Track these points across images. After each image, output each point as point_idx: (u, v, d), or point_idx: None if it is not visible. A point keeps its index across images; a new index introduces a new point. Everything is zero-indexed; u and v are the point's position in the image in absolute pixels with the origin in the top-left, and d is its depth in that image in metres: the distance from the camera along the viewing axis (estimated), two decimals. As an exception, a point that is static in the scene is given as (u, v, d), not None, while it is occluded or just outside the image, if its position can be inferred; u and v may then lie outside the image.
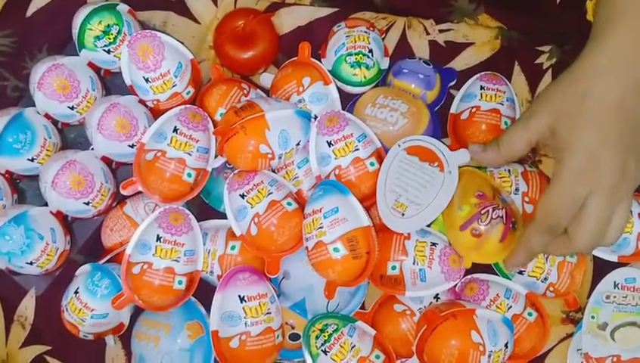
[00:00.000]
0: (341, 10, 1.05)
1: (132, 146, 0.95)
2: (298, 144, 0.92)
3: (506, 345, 0.85)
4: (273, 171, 0.96)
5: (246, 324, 0.86)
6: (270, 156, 0.90)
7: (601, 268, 0.93)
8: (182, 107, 0.95)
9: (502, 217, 0.86)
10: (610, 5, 0.76)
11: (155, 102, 0.98)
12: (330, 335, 0.86)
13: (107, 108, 0.93)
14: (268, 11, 1.05)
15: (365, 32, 0.98)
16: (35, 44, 1.05)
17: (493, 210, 0.86)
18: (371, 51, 0.98)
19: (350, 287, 0.91)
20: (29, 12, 1.07)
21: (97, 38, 0.98)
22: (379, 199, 0.89)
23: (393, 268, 0.89)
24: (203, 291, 0.92)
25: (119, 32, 0.98)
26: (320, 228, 0.86)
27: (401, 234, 0.89)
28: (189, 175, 0.91)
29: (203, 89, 1.00)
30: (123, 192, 0.92)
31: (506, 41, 1.03)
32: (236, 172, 0.94)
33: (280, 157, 0.91)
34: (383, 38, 1.02)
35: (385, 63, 1.00)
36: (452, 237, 0.89)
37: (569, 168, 0.74)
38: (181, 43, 0.99)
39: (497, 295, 0.89)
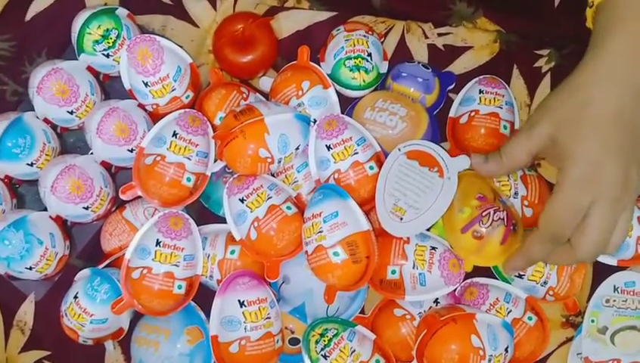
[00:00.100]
0: (340, 14, 1.05)
1: (132, 150, 0.95)
2: (297, 148, 0.92)
3: (506, 350, 0.85)
4: (272, 175, 0.96)
5: (245, 328, 0.86)
6: (269, 160, 0.90)
7: (601, 272, 0.93)
8: (181, 111, 0.95)
9: (503, 219, 0.86)
10: (610, 13, 0.76)
11: (154, 106, 0.98)
12: (330, 339, 0.86)
13: (106, 112, 0.93)
14: (267, 15, 1.05)
15: (364, 35, 0.98)
16: (35, 48, 1.05)
17: (494, 212, 0.86)
18: (370, 54, 0.98)
19: (350, 292, 0.91)
20: (28, 16, 1.07)
21: (97, 42, 0.98)
22: (378, 202, 0.89)
23: (393, 272, 0.89)
24: (203, 296, 0.92)
25: (118, 37, 0.98)
26: (320, 232, 0.86)
27: (400, 238, 0.89)
28: (188, 179, 0.91)
29: (203, 93, 1.00)
30: (122, 197, 0.92)
31: (505, 44, 1.03)
32: (235, 176, 0.94)
33: (279, 161, 0.91)
34: (382, 42, 1.02)
35: (384, 67, 1.00)
36: (452, 240, 0.89)
37: (571, 177, 0.74)
38: (181, 47, 0.99)
39: (497, 299, 0.89)
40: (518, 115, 0.97)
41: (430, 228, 0.90)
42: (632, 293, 0.91)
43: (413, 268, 0.88)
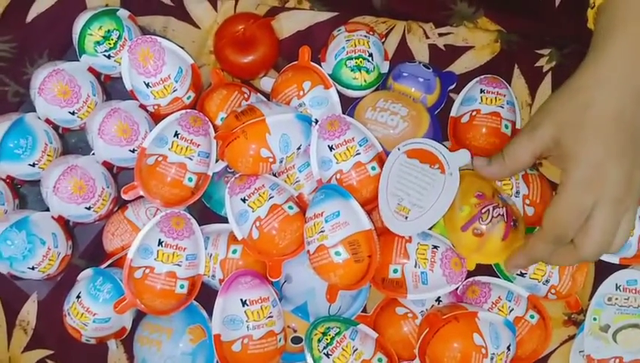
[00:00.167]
0: (341, 14, 1.05)
1: (133, 151, 0.95)
2: (299, 148, 0.92)
3: (508, 348, 0.85)
4: (274, 175, 0.96)
5: (248, 327, 0.87)
6: (271, 160, 0.90)
7: (603, 270, 0.93)
8: (183, 111, 0.95)
9: (503, 215, 0.86)
10: (610, 14, 0.76)
11: (156, 107, 0.98)
12: (332, 338, 0.86)
13: (107, 113, 0.94)
14: (268, 16, 1.05)
15: (365, 36, 0.99)
16: (36, 49, 1.05)
17: (494, 209, 0.86)
18: (371, 54, 0.98)
19: (352, 291, 0.91)
20: (30, 17, 1.07)
21: (98, 43, 0.98)
22: (381, 203, 0.89)
23: (395, 271, 0.89)
24: (205, 295, 0.92)
25: (119, 38, 0.98)
26: (321, 231, 0.86)
27: (402, 237, 0.89)
28: (190, 179, 0.91)
29: (204, 94, 1.00)
30: (124, 197, 0.92)
31: (506, 44, 1.03)
32: (237, 176, 0.94)
33: (281, 161, 0.91)
34: (383, 42, 1.03)
35: (385, 67, 1.00)
36: (454, 239, 0.89)
37: (574, 178, 0.74)
38: (182, 48, 0.99)
39: (499, 297, 0.89)
40: (519, 114, 0.97)
41: (432, 227, 0.90)
42: (634, 291, 0.91)
43: (415, 266, 0.88)
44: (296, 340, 0.92)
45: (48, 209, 0.95)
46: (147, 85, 0.95)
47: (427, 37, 1.04)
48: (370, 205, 0.92)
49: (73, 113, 0.97)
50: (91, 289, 0.90)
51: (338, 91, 0.98)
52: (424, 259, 0.88)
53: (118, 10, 1.00)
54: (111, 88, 1.04)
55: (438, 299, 0.91)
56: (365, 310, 0.95)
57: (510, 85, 0.99)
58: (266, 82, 1.01)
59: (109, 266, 0.95)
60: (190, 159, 0.91)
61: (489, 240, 0.86)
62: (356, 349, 0.86)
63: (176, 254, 0.88)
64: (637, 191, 0.75)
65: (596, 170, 0.74)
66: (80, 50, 0.99)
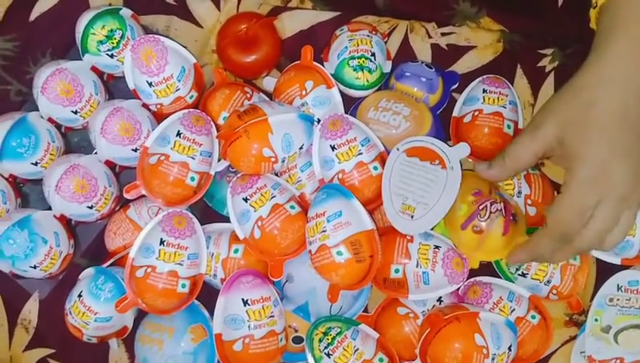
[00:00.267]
0: (343, 14, 1.05)
1: (136, 150, 0.95)
2: (301, 148, 0.92)
3: (509, 348, 0.85)
4: (276, 174, 0.96)
5: (249, 327, 0.87)
6: (273, 159, 0.90)
7: (604, 271, 0.93)
8: (185, 110, 0.95)
9: (501, 210, 0.86)
10: (613, 15, 0.76)
11: (158, 106, 0.98)
12: (333, 338, 0.86)
13: (110, 112, 0.94)
14: (271, 15, 1.05)
15: (368, 35, 0.99)
16: (39, 48, 1.06)
17: (491, 204, 0.86)
18: (373, 54, 0.98)
19: (353, 291, 0.91)
20: (33, 17, 1.07)
21: (101, 42, 0.98)
22: (386, 204, 0.89)
23: (396, 271, 0.89)
24: (207, 294, 0.92)
25: (122, 37, 0.98)
26: (323, 231, 0.86)
27: (404, 237, 0.89)
28: (192, 178, 0.91)
29: (206, 93, 1.00)
30: (127, 196, 0.92)
31: (508, 44, 1.03)
32: (239, 175, 0.94)
33: (283, 161, 0.91)
34: (385, 42, 1.03)
35: (387, 67, 1.00)
36: (455, 239, 0.89)
37: (579, 178, 0.74)
38: (184, 47, 0.99)
39: (500, 298, 0.89)
40: (522, 114, 0.97)
41: (434, 227, 0.90)
42: (635, 292, 0.91)
43: (416, 266, 0.88)
44: (298, 340, 0.92)
45: (50, 208, 0.95)
46: (150, 84, 0.96)
47: (430, 37, 1.04)
48: (372, 205, 0.92)
49: (75, 112, 0.97)
50: (93, 288, 0.90)
51: (340, 91, 0.98)
52: (426, 259, 0.88)
53: (121, 9, 1.00)
54: (114, 87, 1.04)
55: (439, 300, 0.91)
56: (366, 310, 0.95)
57: (512, 85, 0.99)
58: (269, 82, 1.01)
59: (111, 265, 0.95)
60: (192, 158, 0.91)
61: (489, 237, 0.86)
62: (357, 349, 0.86)
63: (178, 253, 0.88)
64: None
65: (601, 169, 0.74)
66: (83, 49, 0.99)
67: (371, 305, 0.95)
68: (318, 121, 0.94)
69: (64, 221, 0.95)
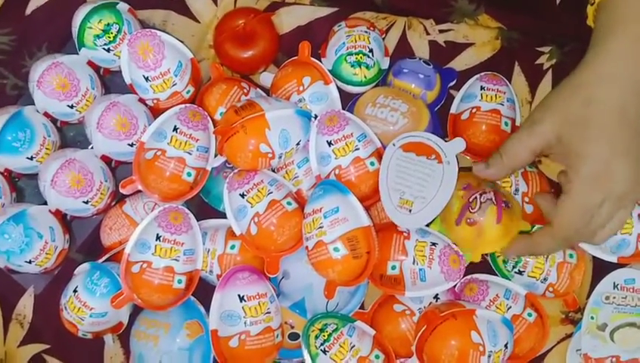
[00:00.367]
0: (341, 9, 1.05)
1: (132, 145, 0.95)
2: (298, 144, 0.92)
3: (506, 346, 0.85)
4: (273, 170, 0.96)
5: (245, 323, 0.86)
6: (270, 155, 0.90)
7: (601, 269, 0.93)
8: (182, 106, 0.95)
9: (491, 199, 0.86)
10: (611, 12, 0.76)
11: (155, 101, 0.98)
12: (329, 335, 0.86)
13: (106, 107, 0.93)
14: (268, 11, 1.05)
15: (366, 31, 0.98)
16: (35, 42, 1.05)
17: (481, 195, 0.86)
18: (371, 50, 0.98)
19: (350, 287, 0.91)
20: (29, 10, 1.06)
21: (97, 36, 0.98)
22: (384, 199, 0.89)
23: (393, 267, 0.89)
24: (203, 290, 0.92)
25: (119, 31, 0.98)
26: (320, 227, 0.86)
27: (401, 233, 0.89)
28: (189, 174, 0.91)
29: (203, 88, 1.00)
30: (123, 191, 0.92)
31: (506, 41, 1.03)
32: (236, 171, 0.94)
33: (280, 157, 0.91)
34: (383, 38, 1.02)
35: (385, 63, 1.00)
36: (453, 237, 0.89)
37: (582, 177, 0.75)
38: (181, 42, 0.99)
39: (497, 295, 0.89)
40: (519, 112, 0.97)
41: (431, 223, 0.90)
42: (631, 290, 0.91)
43: (413, 263, 0.88)
44: (294, 336, 0.92)
45: (45, 203, 0.95)
46: (147, 78, 0.95)
47: (428, 33, 1.04)
48: (369, 200, 0.92)
49: (71, 107, 0.97)
50: (88, 283, 0.90)
51: (338, 87, 0.98)
52: (423, 255, 0.88)
53: (118, 3, 1.00)
54: (110, 81, 1.04)
55: (436, 297, 0.91)
56: (362, 307, 0.94)
57: (510, 83, 0.99)
58: (266, 77, 1.01)
59: (106, 260, 0.95)
60: (189, 153, 0.91)
61: (484, 227, 0.85)
62: (353, 346, 0.86)
63: (174, 249, 0.88)
64: None
65: (603, 167, 0.74)
66: (79, 43, 0.99)
67: (368, 302, 0.95)
68: (315, 117, 0.94)
69: (60, 216, 0.95)
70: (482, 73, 0.99)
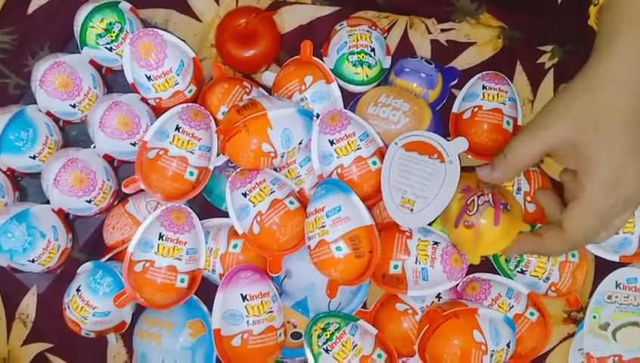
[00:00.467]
0: (343, 9, 1.05)
1: (134, 144, 0.95)
2: (300, 143, 0.92)
3: (508, 345, 0.85)
4: (275, 169, 0.96)
5: (248, 322, 0.86)
6: (272, 154, 0.90)
7: (603, 268, 0.93)
8: (184, 105, 0.95)
9: (489, 201, 0.85)
10: (615, 14, 0.75)
11: (157, 100, 0.98)
12: (332, 334, 0.86)
13: (108, 106, 0.93)
14: (270, 10, 1.05)
15: (367, 31, 0.98)
16: (37, 41, 1.05)
17: (478, 198, 0.86)
18: (373, 49, 0.98)
19: (352, 286, 0.91)
20: (31, 9, 1.06)
21: (99, 35, 0.98)
22: (385, 198, 0.89)
23: (395, 267, 0.89)
24: (205, 289, 0.92)
25: (121, 30, 0.98)
26: (322, 226, 0.86)
27: (403, 232, 0.89)
28: (191, 173, 0.91)
29: (205, 87, 1.00)
30: (125, 190, 0.92)
31: (508, 40, 1.03)
32: (238, 170, 0.94)
33: (282, 156, 0.91)
34: (385, 37, 1.02)
35: (387, 62, 1.00)
36: (453, 239, 0.89)
37: (597, 183, 0.74)
38: (183, 41, 0.99)
39: (499, 294, 0.89)
40: (521, 111, 0.97)
41: (433, 222, 0.90)
42: (634, 289, 0.91)
43: (415, 262, 0.88)
44: (296, 336, 0.92)
45: (48, 202, 0.95)
46: (149, 78, 0.95)
47: (430, 32, 1.04)
48: (371, 200, 0.92)
49: (74, 106, 0.97)
50: (91, 282, 0.90)
51: (340, 86, 0.98)
52: (425, 255, 0.88)
53: (120, 2, 1.00)
54: (112, 80, 1.04)
55: (438, 296, 0.91)
56: (364, 306, 0.95)
57: (512, 82, 0.99)
58: (268, 77, 1.01)
59: (109, 260, 0.95)
60: (191, 153, 0.91)
61: (482, 230, 0.85)
62: (356, 345, 0.86)
63: (177, 248, 0.88)
64: None
65: (616, 173, 0.73)
66: (82, 42, 0.99)
67: (370, 301, 0.95)
68: (317, 116, 0.94)
69: (62, 215, 0.95)
70: (484, 72, 0.99)
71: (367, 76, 0.97)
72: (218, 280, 0.92)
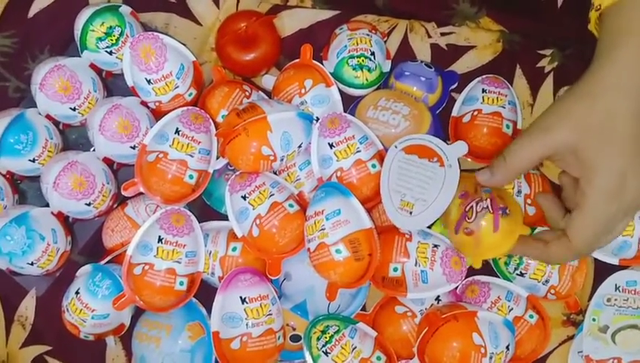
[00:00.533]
0: (343, 12, 1.05)
1: (134, 147, 0.95)
2: (300, 146, 0.92)
3: (507, 348, 0.85)
4: (275, 173, 0.96)
5: (247, 325, 0.86)
6: (272, 157, 0.90)
7: (602, 271, 0.93)
8: (184, 108, 0.95)
9: (488, 207, 0.85)
10: (616, 23, 0.74)
11: (157, 104, 0.98)
12: (331, 336, 0.86)
13: (108, 109, 0.93)
14: (270, 13, 1.05)
15: (367, 34, 0.99)
16: (37, 45, 1.05)
17: (477, 204, 0.85)
18: (373, 53, 0.98)
19: (352, 289, 0.91)
20: (31, 13, 1.07)
21: (100, 39, 0.98)
22: (385, 201, 0.89)
23: (395, 269, 0.89)
24: (204, 292, 0.92)
25: (121, 34, 0.98)
26: (322, 229, 0.86)
27: (403, 235, 0.89)
28: (191, 176, 0.91)
29: (205, 91, 1.00)
30: (124, 193, 0.92)
31: (508, 44, 1.03)
32: (238, 173, 0.94)
33: (282, 159, 0.91)
34: (385, 41, 1.03)
35: (387, 66, 1.00)
36: (454, 243, 0.89)
37: (597, 190, 0.73)
38: (183, 45, 0.99)
39: (498, 297, 0.89)
40: (521, 114, 0.97)
41: (433, 225, 0.89)
42: (633, 292, 0.91)
43: (415, 265, 0.88)
44: (295, 338, 0.92)
45: (47, 205, 0.95)
46: (149, 81, 0.95)
47: (429, 36, 1.04)
48: (370, 203, 0.92)
49: (73, 109, 0.97)
50: (90, 285, 0.90)
51: (340, 90, 0.98)
52: (425, 257, 0.88)
53: (120, 6, 1.00)
54: (112, 84, 1.04)
55: (437, 298, 0.91)
56: (364, 308, 0.95)
57: (511, 85, 0.99)
58: (268, 80, 1.01)
59: (108, 262, 0.95)
60: (191, 156, 0.91)
61: (482, 236, 0.84)
62: (355, 348, 0.86)
63: (176, 251, 0.88)
64: None
65: (619, 181, 0.73)
66: (82, 46, 0.99)
67: (369, 304, 0.95)
68: (317, 119, 0.94)
69: (62, 218, 0.95)
70: (483, 76, 0.99)
71: (367, 80, 0.98)
72: (217, 282, 0.92)
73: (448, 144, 0.92)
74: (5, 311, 0.98)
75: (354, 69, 0.97)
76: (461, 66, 1.03)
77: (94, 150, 0.97)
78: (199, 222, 0.93)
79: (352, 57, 0.97)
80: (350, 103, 0.99)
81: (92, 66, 1.00)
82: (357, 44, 0.98)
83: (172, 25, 1.06)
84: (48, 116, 0.98)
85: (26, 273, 0.94)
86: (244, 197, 0.91)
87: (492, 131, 0.95)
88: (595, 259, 0.93)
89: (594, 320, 0.90)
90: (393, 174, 0.90)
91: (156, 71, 0.95)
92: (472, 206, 0.85)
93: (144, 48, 0.95)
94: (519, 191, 0.92)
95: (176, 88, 0.97)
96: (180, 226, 0.90)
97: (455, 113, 0.99)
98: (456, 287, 0.90)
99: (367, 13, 1.06)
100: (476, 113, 0.96)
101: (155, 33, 0.96)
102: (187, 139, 0.91)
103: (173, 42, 0.98)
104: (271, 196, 0.90)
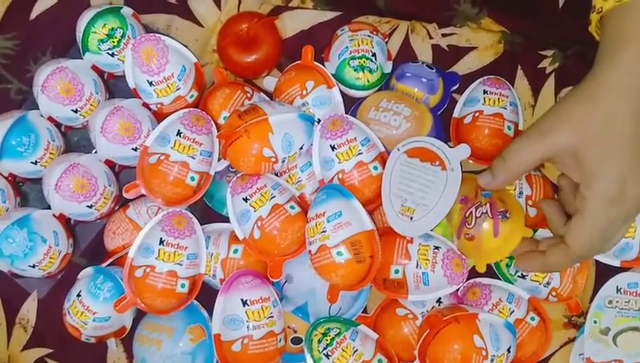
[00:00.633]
0: (344, 14, 1.05)
1: (136, 149, 0.95)
2: (301, 148, 0.92)
3: (508, 350, 0.85)
4: (276, 174, 0.96)
5: (248, 327, 0.86)
6: (273, 159, 0.90)
7: (604, 273, 0.93)
8: (186, 110, 0.95)
9: (487, 212, 0.85)
10: (617, 27, 0.74)
11: (159, 105, 0.98)
12: (332, 339, 0.86)
13: (110, 111, 0.93)
14: (272, 15, 1.05)
15: (369, 35, 0.99)
16: (39, 47, 1.06)
17: (476, 209, 0.85)
18: (374, 54, 0.98)
19: (353, 291, 0.91)
20: (33, 15, 1.07)
21: (101, 41, 0.98)
22: (385, 205, 0.89)
23: (396, 271, 0.89)
24: (206, 294, 0.92)
25: (123, 36, 0.98)
26: (323, 231, 0.86)
27: (404, 237, 0.89)
28: (192, 178, 0.91)
29: (207, 92, 1.00)
30: (126, 195, 0.92)
31: (509, 45, 1.03)
32: (239, 175, 0.94)
33: (283, 161, 0.91)
34: (386, 42, 1.02)
35: (388, 67, 1.00)
36: (458, 247, 0.89)
37: (598, 195, 0.73)
38: (185, 46, 0.99)
39: (499, 299, 0.89)
40: (522, 116, 0.97)
41: (435, 227, 0.89)
42: (634, 294, 0.90)
43: (416, 267, 0.88)
44: (297, 341, 0.92)
45: (49, 207, 0.95)
46: (150, 83, 0.95)
47: (431, 37, 1.04)
48: (372, 205, 0.92)
49: (75, 111, 0.97)
50: (92, 287, 0.90)
51: (341, 91, 0.98)
52: (426, 259, 0.88)
53: (122, 8, 1.00)
54: (114, 86, 1.04)
55: (439, 301, 0.91)
56: (365, 311, 0.95)
57: (513, 86, 0.99)
58: (269, 82, 1.01)
59: (110, 265, 0.95)
60: (192, 158, 0.91)
61: (482, 241, 0.85)
62: (356, 350, 0.86)
63: (177, 253, 0.88)
64: None
65: (619, 187, 0.72)
66: (84, 48, 0.99)
67: (371, 306, 0.95)
68: (319, 121, 0.94)
69: (63, 220, 0.95)
70: (484, 77, 0.99)
71: (368, 81, 0.97)
72: (218, 285, 0.92)
73: (449, 146, 0.91)
74: (7, 314, 0.98)
75: (355, 70, 0.97)
76: (462, 67, 1.03)
77: (95, 152, 0.97)
78: (200, 224, 0.93)
79: (353, 58, 0.97)
80: (352, 105, 0.99)
81: (94, 68, 1.00)
82: (358, 45, 0.98)
83: (173, 26, 1.07)
84: (50, 118, 0.99)
85: (27, 275, 0.94)
86: (246, 199, 0.91)
87: (493, 132, 0.95)
88: (597, 261, 0.93)
89: (595, 322, 0.90)
90: (394, 177, 0.90)
91: (158, 73, 0.95)
92: (471, 212, 0.85)
93: (146, 50, 0.95)
94: (520, 193, 0.92)
95: (178, 89, 0.97)
96: (181, 228, 0.90)
97: (456, 114, 0.99)
98: (457, 289, 0.90)
99: (368, 15, 1.06)
100: (477, 114, 0.96)
101: (157, 35, 0.96)
102: (189, 141, 0.91)
103: (175, 44, 0.98)
104: (272, 198, 0.90)
